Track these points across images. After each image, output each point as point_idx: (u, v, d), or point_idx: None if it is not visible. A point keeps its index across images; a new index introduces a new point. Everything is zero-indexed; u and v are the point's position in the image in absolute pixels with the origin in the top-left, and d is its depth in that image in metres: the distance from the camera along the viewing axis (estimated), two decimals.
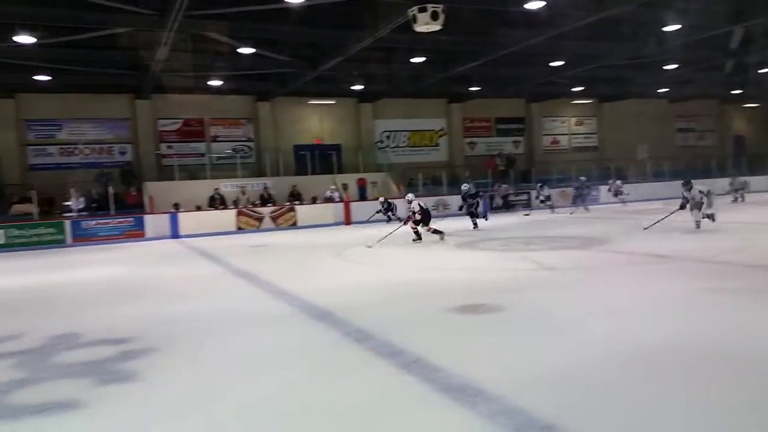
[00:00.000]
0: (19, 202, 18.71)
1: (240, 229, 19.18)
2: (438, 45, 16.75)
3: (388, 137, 26.98)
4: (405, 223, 13.41)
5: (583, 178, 21.70)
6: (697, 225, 12.08)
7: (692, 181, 12.45)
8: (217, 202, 20.36)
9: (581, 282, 5.79)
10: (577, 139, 31.50)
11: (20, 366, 4.86)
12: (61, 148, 21.50)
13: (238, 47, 16.24)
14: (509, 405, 3.44)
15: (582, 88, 26.21)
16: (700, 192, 12.08)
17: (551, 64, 21.09)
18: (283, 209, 20.37)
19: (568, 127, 31.31)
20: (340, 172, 23.86)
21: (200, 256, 12.77)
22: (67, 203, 18.55)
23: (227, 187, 21.23)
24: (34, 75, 17.95)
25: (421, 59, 18.72)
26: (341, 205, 20.99)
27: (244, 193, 21.15)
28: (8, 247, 16.56)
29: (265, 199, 20.97)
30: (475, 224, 15.65)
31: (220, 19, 13.87)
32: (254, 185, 21.86)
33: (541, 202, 21.91)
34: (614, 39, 18.32)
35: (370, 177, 23.96)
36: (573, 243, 11.46)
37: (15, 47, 14.65)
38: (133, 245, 16.59)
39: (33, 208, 18.08)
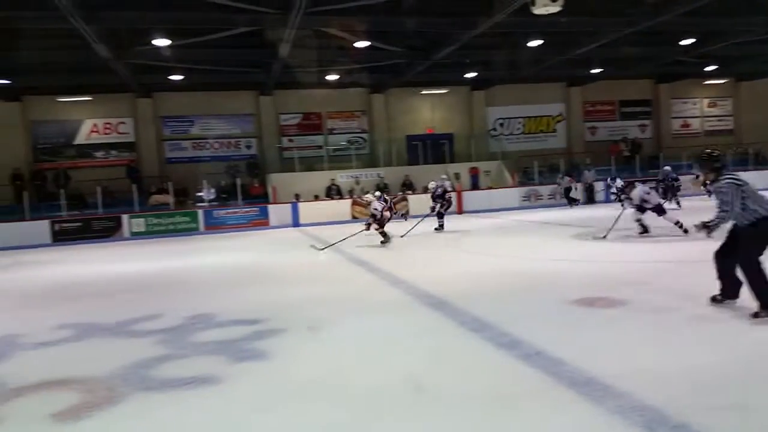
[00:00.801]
0: (157, 193, 20.45)
1: (354, 218, 19.70)
2: (557, 27, 16.10)
3: (501, 124, 26.41)
4: (368, 228, 12.16)
5: (667, 168, 18.98)
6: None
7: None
8: (333, 192, 21.06)
9: (712, 276, 5.35)
10: (710, 122, 29.01)
11: (163, 343, 5.33)
12: (193, 143, 23.21)
13: (354, 41, 16.60)
14: (638, 401, 3.27)
15: (715, 67, 24.07)
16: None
17: (681, 42, 19.55)
18: (396, 198, 20.64)
19: (700, 109, 28.91)
20: (452, 161, 23.74)
21: (319, 243, 13.26)
22: (199, 194, 20.05)
23: (343, 177, 21.89)
24: (169, 75, 19.47)
25: (538, 42, 18.09)
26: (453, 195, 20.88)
27: (358, 183, 21.69)
28: (148, 234, 18.21)
29: (380, 189, 21.35)
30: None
31: (338, 14, 14.24)
32: (368, 175, 22.35)
33: (613, 194, 20.01)
34: (751, 12, 16.63)
35: (482, 166, 23.64)
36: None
37: (153, 50, 15.98)
38: (259, 233, 17.57)
39: (169, 199, 19.71)
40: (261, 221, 19.11)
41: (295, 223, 19.01)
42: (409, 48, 18.50)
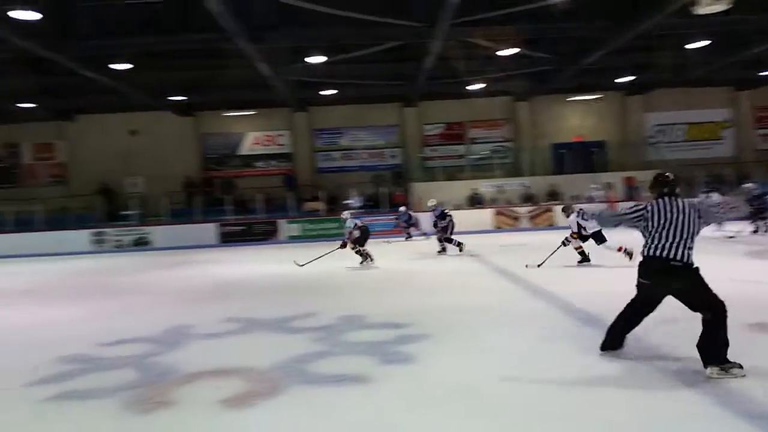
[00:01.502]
0: (311, 200, 21.73)
1: (498, 228, 19.44)
2: (723, 26, 14.72)
3: (660, 131, 24.60)
4: (343, 246, 11.84)
5: (750, 184, 15.57)
6: None
7: None
8: (475, 201, 20.96)
9: None
10: None
11: (319, 340, 5.67)
12: (342, 153, 24.37)
13: (500, 49, 16.44)
14: None
15: None
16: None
17: None
18: (541, 209, 20.06)
19: None
20: (604, 170, 22.53)
21: (461, 252, 13.26)
22: (347, 201, 20.97)
23: (485, 187, 21.70)
24: (322, 90, 20.63)
25: (702, 43, 16.64)
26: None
27: (502, 192, 21.38)
28: (302, 238, 19.40)
29: (525, 199, 20.93)
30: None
31: (484, 24, 14.21)
32: (511, 185, 21.94)
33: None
34: None
35: (639, 175, 22.12)
36: None
37: (308, 67, 17.05)
38: (401, 241, 17.95)
39: (321, 206, 20.86)
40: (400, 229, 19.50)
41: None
42: (556, 54, 17.93)
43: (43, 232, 19.51)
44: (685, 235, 4.17)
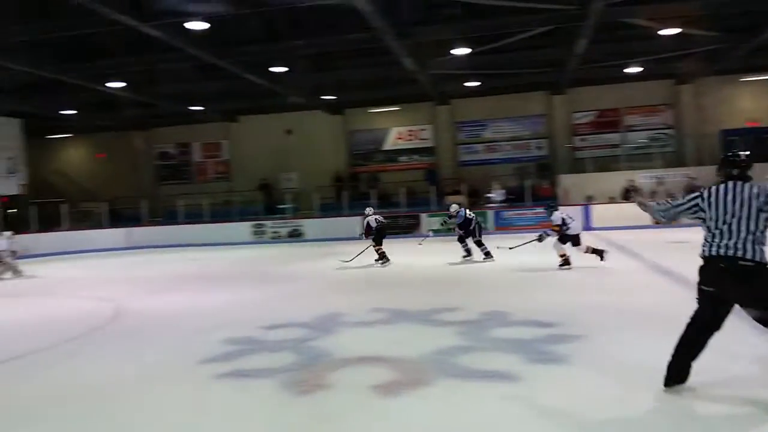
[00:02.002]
0: (452, 194, 21.68)
1: (657, 224, 17.97)
2: None
3: None
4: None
5: None
6: None
7: None
8: (631, 193, 19.57)
9: None
10: None
11: (462, 334, 5.64)
12: (485, 146, 24.03)
13: (659, 29, 15.16)
14: None
15: None
16: None
17: None
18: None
19: None
20: None
21: (614, 249, 12.49)
22: (489, 195, 20.67)
23: (643, 178, 20.19)
24: (466, 82, 20.46)
25: None
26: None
27: (661, 184, 19.75)
28: (444, 232, 19.42)
29: (689, 191, 19.15)
30: None
31: (643, 2, 13.21)
32: (673, 176, 20.18)
33: None
34: None
35: None
36: None
37: (452, 60, 16.99)
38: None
39: (463, 199, 20.73)
40: (549, 223, 18.75)
41: (587, 227, 18.18)
42: (726, 31, 16.14)
43: (210, 224, 21.55)
44: (752, 228, 3.40)
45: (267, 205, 22.97)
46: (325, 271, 11.89)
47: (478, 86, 20.78)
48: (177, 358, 5.46)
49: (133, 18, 11.83)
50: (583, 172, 21.41)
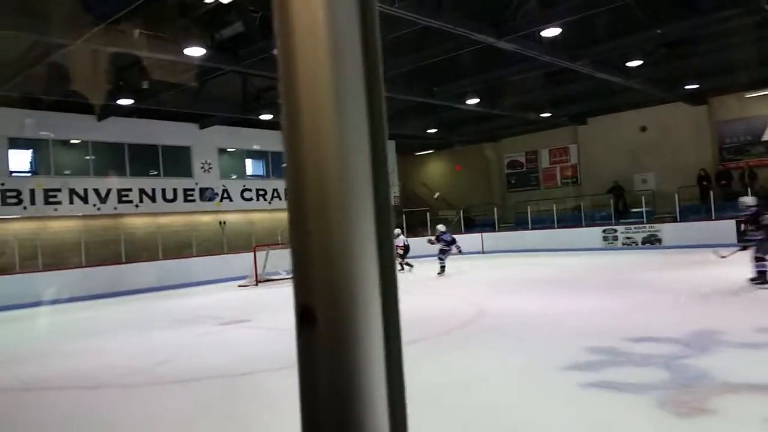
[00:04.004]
0: None
1: None
2: None
3: None
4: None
5: None
6: None
7: None
8: None
9: None
10: None
11: None
12: None
13: None
14: None
15: None
16: None
17: None
18: None
19: None
20: None
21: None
22: None
23: None
24: None
25: None
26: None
27: None
28: None
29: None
30: None
31: None
32: None
33: None
34: None
35: None
36: None
37: None
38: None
39: None
40: None
41: None
42: None
43: (558, 229, 21.48)
44: None
45: (618, 209, 21.81)
46: (691, 281, 10.65)
47: None
48: (542, 360, 5.56)
49: (490, 36, 12.57)
50: None
